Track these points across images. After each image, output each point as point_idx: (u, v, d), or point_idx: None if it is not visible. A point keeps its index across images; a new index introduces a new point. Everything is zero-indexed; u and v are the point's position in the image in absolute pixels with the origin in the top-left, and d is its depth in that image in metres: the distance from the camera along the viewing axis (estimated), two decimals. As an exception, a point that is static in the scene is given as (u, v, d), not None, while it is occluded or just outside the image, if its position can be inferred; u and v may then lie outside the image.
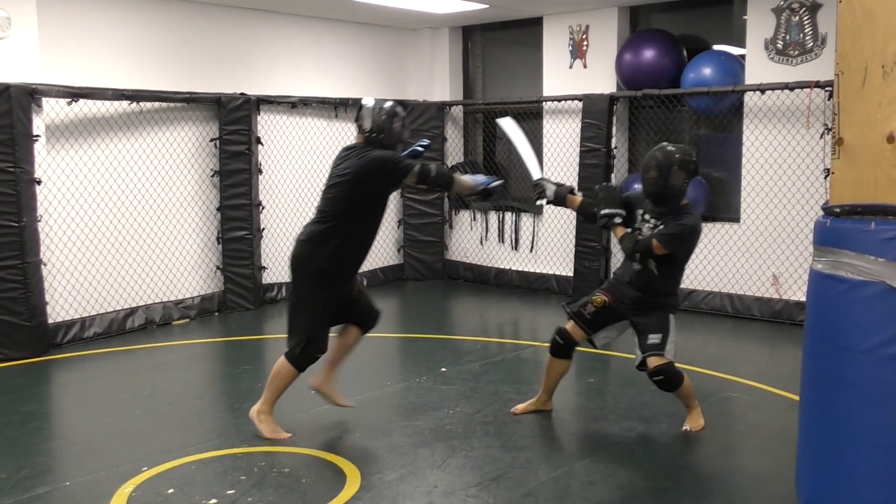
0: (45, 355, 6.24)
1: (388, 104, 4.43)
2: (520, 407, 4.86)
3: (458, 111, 9.45)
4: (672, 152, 4.37)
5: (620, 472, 4.00)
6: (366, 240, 4.43)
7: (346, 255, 4.35)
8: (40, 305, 6.26)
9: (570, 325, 4.65)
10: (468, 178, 4.67)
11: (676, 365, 4.41)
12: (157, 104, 7.19)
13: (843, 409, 2.82)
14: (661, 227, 4.40)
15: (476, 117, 9.50)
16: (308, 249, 4.32)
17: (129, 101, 6.89)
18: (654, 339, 4.38)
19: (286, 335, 4.43)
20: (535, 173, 4.79)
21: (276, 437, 4.40)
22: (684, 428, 4.56)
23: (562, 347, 4.68)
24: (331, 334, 4.51)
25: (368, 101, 4.43)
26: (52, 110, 6.46)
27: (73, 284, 6.71)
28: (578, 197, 4.72)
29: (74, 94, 6.47)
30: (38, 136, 6.26)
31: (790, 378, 5.06)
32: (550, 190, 4.66)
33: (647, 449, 4.29)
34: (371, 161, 4.24)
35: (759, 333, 6.95)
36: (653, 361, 4.35)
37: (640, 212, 4.53)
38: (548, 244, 8.69)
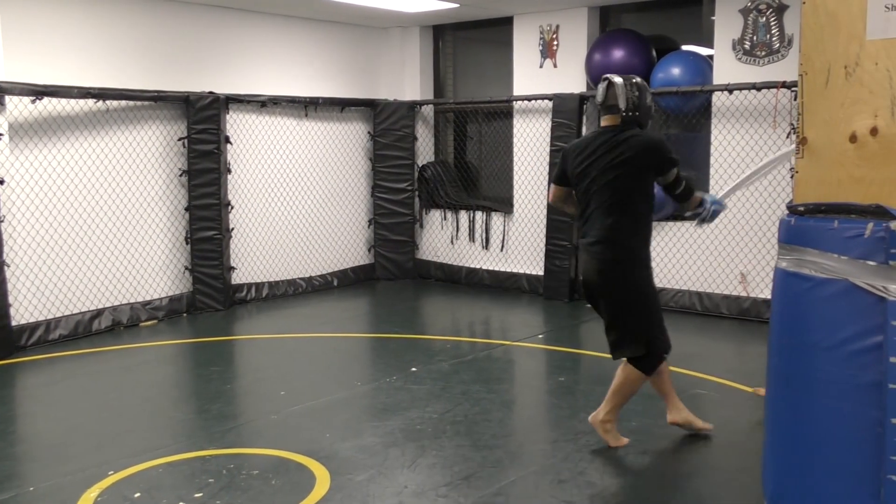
0: (10, 358, 6.14)
1: (637, 78, 4.20)
2: None
3: (428, 110, 9.44)
4: None
5: (590, 470, 4.01)
6: (650, 227, 4.25)
7: (648, 243, 4.20)
8: (4, 307, 6.15)
9: None
10: (699, 195, 4.30)
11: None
12: (123, 103, 7.10)
13: (807, 405, 2.85)
14: None
15: (447, 117, 9.50)
16: (621, 244, 4.08)
17: (95, 100, 6.80)
18: None
19: (617, 342, 4.19)
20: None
21: (620, 445, 4.27)
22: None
23: None
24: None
25: (617, 79, 4.14)
26: (16, 108, 6.36)
27: (37, 286, 6.60)
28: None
29: (39, 92, 6.37)
30: (1, 134, 6.16)
31: (758, 375, 5.10)
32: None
33: (616, 447, 4.30)
34: (646, 145, 4.04)
35: (727, 331, 7.02)
36: None
37: None
38: (518, 243, 8.71)
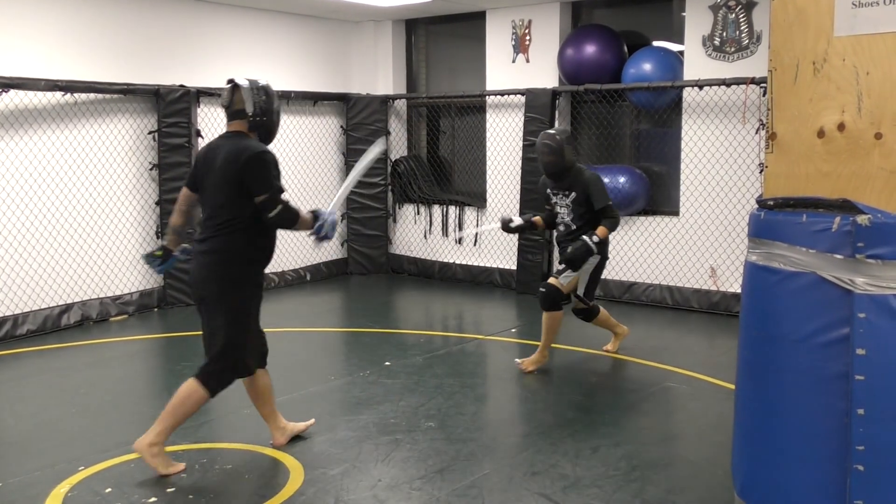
0: (-24, 354, 6.06)
1: (265, 82, 3.98)
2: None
3: (401, 105, 9.42)
4: (555, 135, 5.38)
5: (562, 462, 4.05)
6: (262, 243, 3.99)
7: (260, 259, 3.97)
8: (-30, 302, 6.07)
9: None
10: (307, 216, 3.96)
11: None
12: (92, 95, 7.01)
13: (776, 397, 2.89)
14: (573, 193, 5.41)
15: (420, 111, 9.49)
16: (221, 260, 3.87)
17: (62, 93, 6.71)
18: (560, 267, 5.52)
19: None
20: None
21: (175, 471, 3.93)
22: (521, 365, 5.51)
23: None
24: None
25: (243, 82, 3.93)
26: (-18, 101, 6.27)
27: (4, 281, 6.51)
28: (538, 219, 5.73)
29: (5, 84, 6.28)
30: (-34, 127, 6.07)
31: (727, 368, 5.18)
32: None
33: (588, 440, 4.34)
34: (248, 161, 3.79)
35: (697, 325, 7.09)
36: (550, 280, 5.50)
37: (551, 193, 5.54)
38: (491, 238, 8.73)
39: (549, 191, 5.56)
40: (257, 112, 3.92)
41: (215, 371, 3.91)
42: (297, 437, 4.35)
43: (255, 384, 4.15)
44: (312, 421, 4.46)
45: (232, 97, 3.94)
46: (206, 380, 3.90)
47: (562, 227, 5.56)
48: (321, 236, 3.99)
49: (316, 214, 3.99)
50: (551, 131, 5.44)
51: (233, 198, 3.82)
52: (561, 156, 5.32)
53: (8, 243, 6.53)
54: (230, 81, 3.96)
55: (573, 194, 5.41)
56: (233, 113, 3.95)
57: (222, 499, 3.65)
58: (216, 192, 3.86)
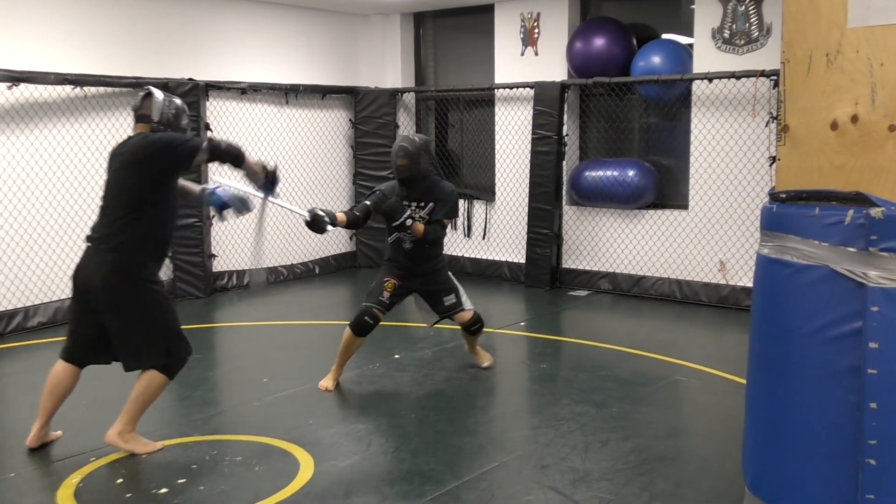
0: (-13, 346, 6.09)
1: (179, 100, 4.25)
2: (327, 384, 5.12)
3: (410, 98, 9.42)
4: (415, 140, 5.00)
5: (572, 455, 4.05)
6: (164, 235, 4.20)
7: (152, 252, 4.16)
8: (-19, 295, 6.10)
9: (375, 311, 5.04)
10: (255, 159, 4.37)
11: None
12: (101, 89, 7.02)
13: (787, 390, 2.88)
14: (431, 205, 5.03)
15: (428, 104, 9.48)
16: (119, 256, 3.99)
17: (72, 86, 6.73)
18: (449, 299, 5.16)
19: (135, 354, 4.13)
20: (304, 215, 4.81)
21: (155, 449, 4.13)
22: (484, 365, 5.42)
23: (369, 327, 5.04)
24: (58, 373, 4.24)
25: (158, 93, 4.18)
26: (-8, 94, 6.29)
27: (15, 273, 6.54)
28: (342, 215, 4.96)
29: (15, 77, 6.29)
30: (-23, 120, 6.09)
31: (737, 362, 5.17)
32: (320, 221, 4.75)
33: (597, 433, 4.34)
34: (151, 141, 4.01)
35: (706, 318, 7.08)
36: (463, 316, 5.18)
37: (405, 203, 4.99)
38: (500, 231, 8.73)
39: (403, 201, 5.03)
40: (162, 121, 4.14)
41: (158, 356, 4.11)
42: (305, 429, 4.37)
43: (66, 378, 4.22)
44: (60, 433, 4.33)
45: (142, 102, 4.17)
46: (166, 369, 4.14)
47: (407, 245, 5.05)
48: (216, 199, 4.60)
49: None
50: (412, 136, 5.05)
51: (133, 186, 4.01)
52: (416, 161, 4.93)
53: (19, 236, 6.55)
54: (146, 89, 4.22)
55: (430, 206, 5.03)
56: (139, 116, 4.17)
57: (233, 490, 3.67)
58: (124, 182, 4.04)
